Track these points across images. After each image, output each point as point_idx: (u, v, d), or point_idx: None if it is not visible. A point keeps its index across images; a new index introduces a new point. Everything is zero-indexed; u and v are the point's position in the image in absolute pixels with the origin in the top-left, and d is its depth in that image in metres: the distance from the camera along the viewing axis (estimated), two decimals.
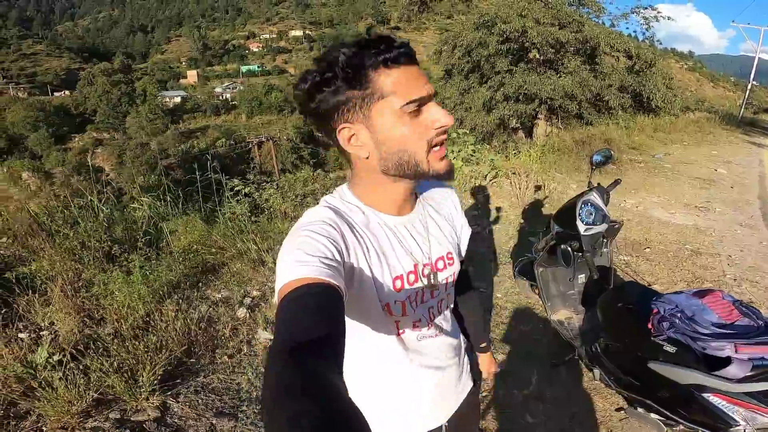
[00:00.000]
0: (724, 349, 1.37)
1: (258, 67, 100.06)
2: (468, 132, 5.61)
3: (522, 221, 4.38)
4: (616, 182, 2.49)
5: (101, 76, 63.19)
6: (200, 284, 2.86)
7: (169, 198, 3.97)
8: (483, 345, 1.11)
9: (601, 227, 2.01)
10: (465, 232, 0.92)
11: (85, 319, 2.43)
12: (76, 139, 52.97)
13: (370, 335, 0.76)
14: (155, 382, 1.93)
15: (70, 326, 2.31)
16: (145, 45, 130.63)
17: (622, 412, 2.02)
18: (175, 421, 1.84)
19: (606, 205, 2.15)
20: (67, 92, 74.49)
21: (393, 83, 0.65)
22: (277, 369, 0.45)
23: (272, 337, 2.43)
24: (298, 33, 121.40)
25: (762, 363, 1.34)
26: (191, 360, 2.20)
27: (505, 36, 10.77)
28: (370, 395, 0.82)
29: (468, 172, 4.91)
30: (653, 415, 1.69)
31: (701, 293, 1.56)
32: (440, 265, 0.81)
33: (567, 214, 2.14)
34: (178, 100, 70.78)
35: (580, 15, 11.59)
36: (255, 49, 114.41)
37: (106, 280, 2.57)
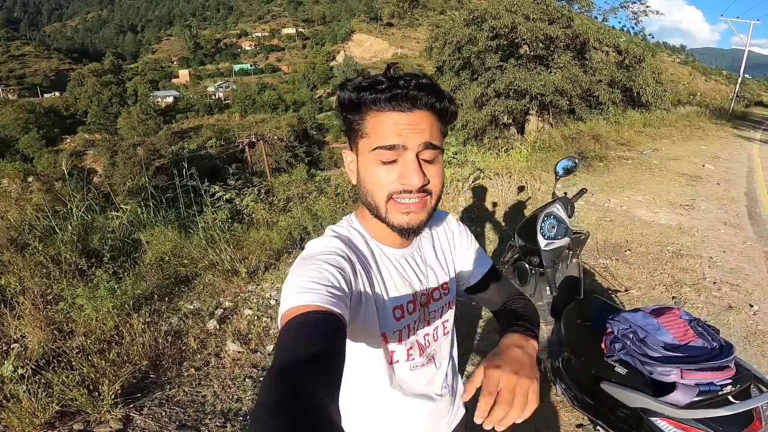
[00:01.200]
0: (670, 374, 1.33)
1: (251, 65, 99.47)
2: (450, 134, 5.57)
3: (503, 224, 4.36)
4: (582, 191, 2.44)
5: (91, 76, 62.53)
6: (172, 295, 2.83)
7: (151, 204, 3.93)
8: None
9: (563, 241, 1.96)
10: (471, 250, 0.90)
11: (55, 332, 2.43)
12: (68, 140, 52.47)
13: (363, 362, 0.77)
14: (118, 394, 1.94)
15: (39, 339, 2.30)
16: (136, 45, 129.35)
17: (580, 429, 2.00)
18: None
19: (570, 217, 2.11)
20: (57, 93, 73.79)
21: (372, 125, 0.66)
22: (268, 386, 0.46)
23: (241, 350, 2.41)
24: (291, 31, 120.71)
25: (709, 389, 1.30)
26: (157, 373, 2.19)
27: (494, 32, 10.74)
28: (361, 422, 0.83)
29: (449, 175, 4.87)
30: None
31: (658, 311, 1.52)
32: (436, 295, 0.83)
33: (529, 227, 2.08)
34: (170, 99, 70.27)
35: (569, 10, 11.57)
36: (247, 48, 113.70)
37: (74, 294, 2.53)
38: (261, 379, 2.22)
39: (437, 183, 0.69)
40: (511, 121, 13.64)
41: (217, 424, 1.94)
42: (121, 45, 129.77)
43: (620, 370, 1.50)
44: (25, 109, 52.32)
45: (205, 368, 2.27)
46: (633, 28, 14.12)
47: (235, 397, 2.11)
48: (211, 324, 2.57)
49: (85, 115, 59.52)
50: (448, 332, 0.89)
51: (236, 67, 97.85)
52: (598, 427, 1.71)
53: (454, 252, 0.89)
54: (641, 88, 11.26)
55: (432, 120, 0.66)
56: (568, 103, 11.54)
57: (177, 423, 1.91)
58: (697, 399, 1.31)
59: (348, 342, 0.68)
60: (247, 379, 2.22)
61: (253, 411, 0.46)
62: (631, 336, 1.48)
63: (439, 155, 0.68)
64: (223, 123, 57.98)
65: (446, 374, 0.89)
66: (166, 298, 2.79)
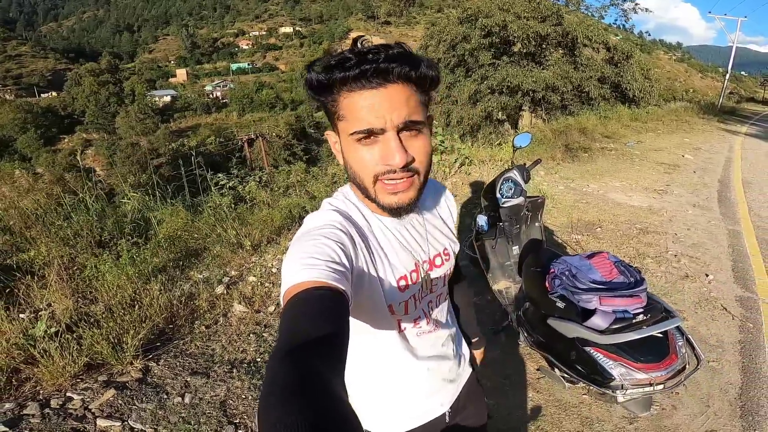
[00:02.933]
0: (591, 301, 1.61)
1: (248, 64, 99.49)
2: (436, 122, 5.90)
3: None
4: (537, 161, 2.77)
5: (88, 76, 62.63)
6: (184, 266, 3.14)
7: (158, 193, 4.24)
8: (476, 340, 1.13)
9: (518, 200, 2.31)
10: (453, 225, 0.94)
11: (79, 299, 2.72)
12: (66, 140, 52.60)
13: (372, 333, 0.77)
14: (139, 348, 2.22)
15: (64, 306, 2.59)
16: (132, 44, 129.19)
17: (538, 371, 2.28)
18: (155, 380, 2.13)
19: (526, 182, 2.44)
20: (54, 93, 73.77)
21: (347, 107, 0.63)
22: (274, 368, 0.45)
23: (246, 310, 2.73)
24: (288, 30, 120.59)
25: (624, 315, 1.59)
26: (172, 330, 2.49)
27: (487, 30, 11.05)
28: (373, 390, 0.85)
29: (437, 161, 5.21)
30: (558, 373, 1.91)
31: (591, 255, 1.84)
32: (438, 261, 0.84)
33: (490, 189, 2.44)
34: (167, 99, 70.37)
35: (559, 8, 11.89)
36: (245, 47, 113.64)
37: (98, 264, 2.84)
38: (264, 334, 2.54)
39: (423, 159, 0.67)
40: (505, 117, 13.96)
41: (225, 370, 2.24)
42: (117, 44, 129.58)
43: (560, 304, 1.80)
44: (23, 109, 52.43)
45: (214, 326, 2.58)
46: (624, 24, 14.45)
47: (241, 349, 2.42)
48: (220, 289, 2.90)
49: (82, 115, 59.59)
50: (446, 298, 0.91)
51: (233, 66, 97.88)
52: (555, 368, 1.94)
53: (449, 219, 0.91)
54: (629, 83, 11.61)
55: (409, 92, 0.63)
56: (560, 99, 11.87)
57: (189, 371, 2.21)
58: (615, 326, 1.61)
59: (355, 315, 0.72)
60: (251, 335, 2.53)
61: (261, 394, 0.43)
62: (567, 273, 1.81)
63: (423, 129, 0.66)
64: (221, 122, 58.21)
65: (451, 336, 0.92)
66: (179, 269, 3.12)
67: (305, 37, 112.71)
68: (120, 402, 1.95)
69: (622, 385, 1.57)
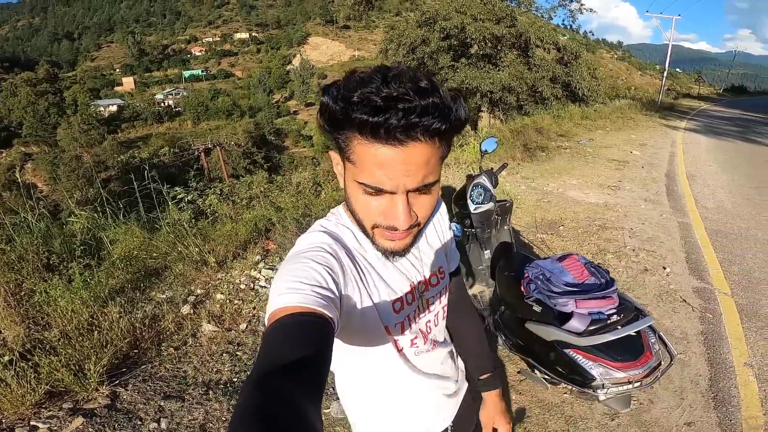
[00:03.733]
0: (568, 304, 1.66)
1: (202, 71, 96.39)
2: None
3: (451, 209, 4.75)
4: (504, 166, 2.83)
5: (24, 86, 58.41)
6: (144, 287, 2.97)
7: (108, 210, 3.98)
8: (484, 377, 1.00)
9: (489, 206, 2.34)
10: (450, 237, 0.90)
11: (31, 325, 2.51)
12: (3, 154, 48.78)
13: (370, 354, 0.76)
14: (103, 374, 2.09)
15: (16, 332, 2.38)
16: (72, 53, 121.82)
17: (519, 374, 2.31)
18: (125, 406, 2.00)
19: (495, 186, 2.48)
20: None
21: (359, 154, 0.57)
22: (246, 392, 0.44)
23: (216, 330, 2.60)
24: (244, 35, 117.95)
25: (600, 317, 1.64)
26: (138, 354, 2.35)
27: (445, 33, 11.26)
28: (375, 410, 0.84)
29: None
30: (539, 374, 1.94)
31: (562, 258, 1.89)
32: (434, 281, 0.82)
33: (461, 195, 2.46)
34: (114, 108, 66.85)
35: (513, 9, 12.31)
36: (198, 53, 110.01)
37: (47, 289, 2.62)
38: (237, 353, 2.43)
39: (426, 214, 0.64)
40: None
41: (200, 392, 2.13)
42: (56, 53, 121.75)
43: (537, 308, 1.82)
44: None
45: (184, 347, 2.45)
46: (571, 25, 15.12)
47: (215, 369, 2.31)
48: (185, 309, 2.74)
49: (20, 127, 55.53)
50: (446, 316, 0.89)
51: (186, 74, 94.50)
52: (536, 370, 1.97)
53: (443, 236, 0.87)
54: (578, 82, 12.19)
55: (432, 151, 0.56)
56: (516, 99, 12.27)
57: (162, 395, 2.10)
58: (592, 328, 1.65)
59: (350, 338, 0.72)
60: (224, 354, 2.42)
61: (232, 416, 0.43)
62: (541, 277, 1.84)
63: (433, 186, 0.60)
64: (174, 131, 56.01)
65: (449, 354, 0.92)
66: (138, 290, 2.93)
67: (262, 42, 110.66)
68: (90, 430, 1.84)
69: (603, 384, 1.62)
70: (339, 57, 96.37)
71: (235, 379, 2.24)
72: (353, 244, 0.71)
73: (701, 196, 5.90)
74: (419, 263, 0.79)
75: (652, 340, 1.68)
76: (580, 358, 1.65)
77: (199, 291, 3.00)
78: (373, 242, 0.67)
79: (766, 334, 2.77)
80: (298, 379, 0.46)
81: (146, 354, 2.35)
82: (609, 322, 1.62)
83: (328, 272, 0.62)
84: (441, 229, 0.87)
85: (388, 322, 0.73)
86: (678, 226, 4.65)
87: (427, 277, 0.80)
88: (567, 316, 1.67)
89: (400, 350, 0.78)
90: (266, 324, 0.56)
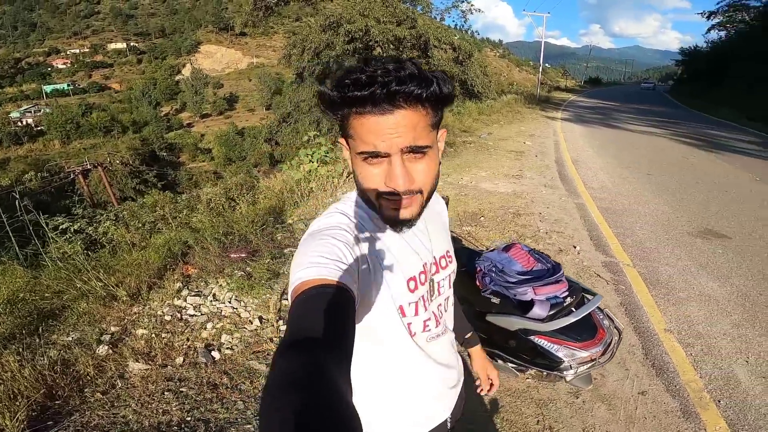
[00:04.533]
0: (527, 293, 1.73)
1: (68, 85, 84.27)
2: (320, 134, 5.80)
3: None
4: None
5: None
6: (43, 330, 2.52)
7: None
8: (468, 336, 1.14)
9: None
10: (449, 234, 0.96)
11: None
12: None
13: (382, 338, 0.77)
14: (24, 429, 1.80)
15: None
16: None
17: None
18: None
19: None
20: None
21: (355, 127, 0.63)
22: (278, 361, 0.46)
23: (148, 367, 2.28)
24: (120, 45, 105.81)
25: (556, 301, 1.74)
26: (57, 403, 2.02)
27: (350, 36, 11.27)
28: (379, 394, 0.84)
29: (325, 173, 5.10)
30: (508, 364, 1.97)
31: (507, 248, 1.97)
32: (443, 263, 0.85)
33: None
34: None
35: (413, 12, 12.78)
36: (61, 66, 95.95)
37: None
38: (182, 389, 2.16)
39: (427, 181, 0.68)
40: None
41: None
42: None
43: (495, 300, 1.86)
44: None
45: (113, 391, 2.14)
46: (463, 25, 16.15)
47: (161, 410, 2.03)
48: (103, 349, 2.39)
49: None
50: (454, 302, 0.93)
51: (47, 88, 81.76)
52: (498, 360, 1.99)
53: (446, 226, 0.93)
54: (473, 80, 13.10)
55: (418, 116, 0.62)
56: None
57: None
58: (551, 312, 1.73)
59: (363, 319, 0.73)
60: (166, 393, 2.13)
61: (264, 386, 0.43)
62: (494, 270, 1.89)
63: (428, 152, 0.65)
64: (39, 153, 48.16)
65: (452, 342, 0.94)
66: (36, 335, 2.48)
67: (144, 52, 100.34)
68: None
69: (570, 365, 1.71)
70: (236, 65, 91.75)
71: (188, 418, 1.98)
72: (368, 223, 0.74)
73: (587, 179, 6.72)
74: (429, 243, 0.81)
75: (601, 317, 1.82)
76: (545, 343, 1.73)
77: (113, 329, 2.63)
78: (381, 214, 0.70)
79: (672, 299, 3.21)
80: (328, 349, 0.48)
81: (68, 402, 2.02)
82: (565, 304, 1.72)
83: (347, 248, 0.65)
84: (444, 218, 0.93)
85: (402, 300, 0.75)
86: (576, 207, 5.23)
87: (437, 258, 0.83)
88: (528, 304, 1.73)
89: (412, 335, 0.79)
90: (290, 298, 0.58)
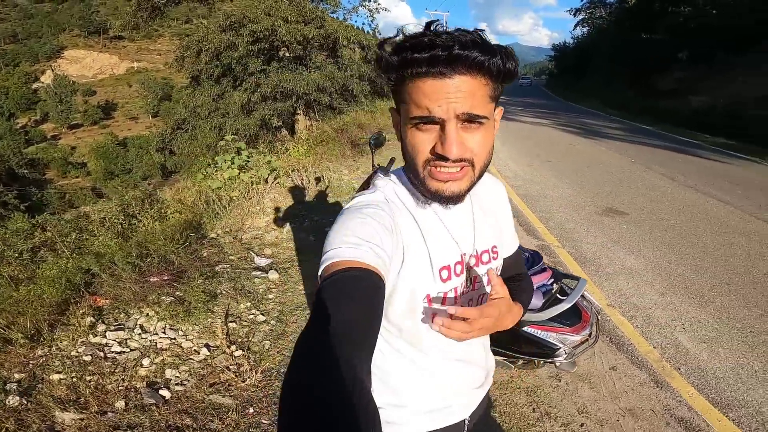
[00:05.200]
0: None
1: None
2: (237, 138, 5.34)
3: (315, 214, 4.53)
4: (392, 160, 2.81)
5: None
6: None
7: None
8: None
9: None
10: (510, 222, 0.90)
11: None
12: None
13: (404, 323, 0.74)
14: None
15: None
16: None
17: None
18: None
19: None
20: None
21: (411, 92, 0.61)
22: (304, 352, 0.46)
23: (81, 416, 1.81)
24: None
25: (546, 289, 1.75)
26: None
27: (255, 36, 10.62)
28: (396, 382, 0.81)
29: (247, 179, 4.69)
30: (498, 358, 1.96)
31: None
32: (485, 258, 0.80)
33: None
34: None
35: (321, 11, 12.46)
36: None
37: None
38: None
39: (481, 152, 0.64)
40: (280, 123, 13.90)
41: None
42: None
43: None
44: None
45: None
46: (370, 25, 16.24)
47: None
48: (13, 400, 1.92)
49: None
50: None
51: None
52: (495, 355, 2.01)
53: (502, 218, 0.87)
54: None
55: (477, 84, 0.60)
56: (329, 98, 12.56)
57: None
58: (544, 301, 1.72)
59: (388, 302, 0.70)
60: None
61: (288, 370, 0.42)
62: None
63: (485, 123, 0.63)
64: None
65: (483, 343, 0.90)
66: None
67: None
68: None
69: (566, 351, 1.71)
70: (111, 70, 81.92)
71: None
72: (409, 204, 0.72)
73: (499, 168, 7.19)
74: (472, 233, 0.77)
75: (581, 300, 1.87)
76: (538, 333, 1.73)
77: (17, 376, 2.11)
78: (425, 186, 0.66)
79: (603, 275, 3.50)
80: (352, 339, 0.48)
81: None
82: (553, 291, 1.73)
83: (384, 230, 0.64)
84: (500, 208, 0.86)
85: (431, 289, 0.71)
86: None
87: (479, 252, 0.78)
88: None
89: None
90: (320, 277, 0.57)
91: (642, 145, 9.90)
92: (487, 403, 0.98)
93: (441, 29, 0.61)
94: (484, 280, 0.79)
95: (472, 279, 0.78)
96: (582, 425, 2.02)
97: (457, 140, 0.61)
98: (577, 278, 1.89)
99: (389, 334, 0.77)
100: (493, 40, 0.61)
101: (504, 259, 0.87)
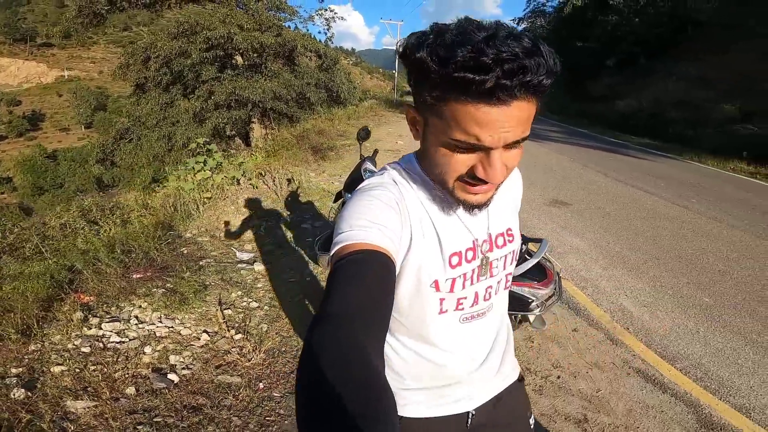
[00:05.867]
0: None
1: None
2: (209, 141, 5.37)
3: (289, 212, 4.69)
4: (376, 152, 3.10)
5: None
6: None
7: None
8: None
9: None
10: (519, 200, 0.89)
11: None
12: None
13: (410, 309, 0.73)
14: None
15: None
16: None
17: None
18: None
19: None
20: None
21: (454, 112, 0.54)
22: (319, 335, 0.45)
23: (95, 404, 1.90)
24: None
25: None
26: None
27: (210, 43, 10.46)
28: (398, 368, 0.79)
29: (220, 180, 4.76)
30: None
31: None
32: (500, 241, 0.77)
33: (355, 181, 2.57)
34: None
35: (278, 19, 12.47)
36: None
37: None
38: (156, 420, 1.88)
39: (513, 167, 0.61)
40: (234, 132, 13.70)
41: None
42: None
43: None
44: None
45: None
46: (325, 33, 16.39)
47: None
48: (19, 393, 1.94)
49: None
50: (509, 285, 0.84)
51: None
52: None
53: (515, 197, 0.86)
54: (339, 87, 13.53)
55: (532, 107, 0.55)
56: (286, 106, 12.59)
57: None
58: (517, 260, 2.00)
59: (398, 286, 0.69)
60: (138, 426, 1.85)
61: (302, 357, 0.43)
62: None
63: (525, 139, 0.59)
64: None
65: (497, 330, 0.85)
66: None
67: None
68: None
69: (537, 304, 2.01)
70: (38, 79, 75.84)
71: None
72: (420, 191, 0.70)
73: None
74: (485, 219, 0.75)
75: (544, 261, 2.20)
76: (515, 288, 1.99)
77: (14, 371, 2.12)
78: (453, 196, 0.65)
79: (554, 254, 3.95)
80: (365, 323, 0.47)
81: None
82: (522, 252, 2.04)
83: (394, 212, 0.63)
84: (514, 188, 0.85)
85: (440, 275, 0.70)
86: None
87: (494, 236, 0.76)
88: None
89: (441, 311, 0.73)
90: (332, 260, 0.57)
91: (579, 146, 10.89)
92: (521, 399, 0.92)
93: (497, 37, 0.50)
94: (500, 265, 0.78)
95: (489, 265, 0.75)
96: (558, 377, 2.35)
97: (502, 168, 0.58)
98: (540, 240, 2.23)
99: (394, 322, 0.76)
100: None
101: None
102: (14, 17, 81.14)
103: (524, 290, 2.04)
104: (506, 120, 0.53)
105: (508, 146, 0.57)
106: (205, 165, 4.77)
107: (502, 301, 0.84)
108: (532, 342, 2.64)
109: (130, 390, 2.04)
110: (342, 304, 0.48)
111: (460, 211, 0.71)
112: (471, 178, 0.60)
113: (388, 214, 0.62)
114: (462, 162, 0.59)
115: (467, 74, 0.49)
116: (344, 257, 0.54)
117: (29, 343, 2.32)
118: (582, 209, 5.39)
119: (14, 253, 3.84)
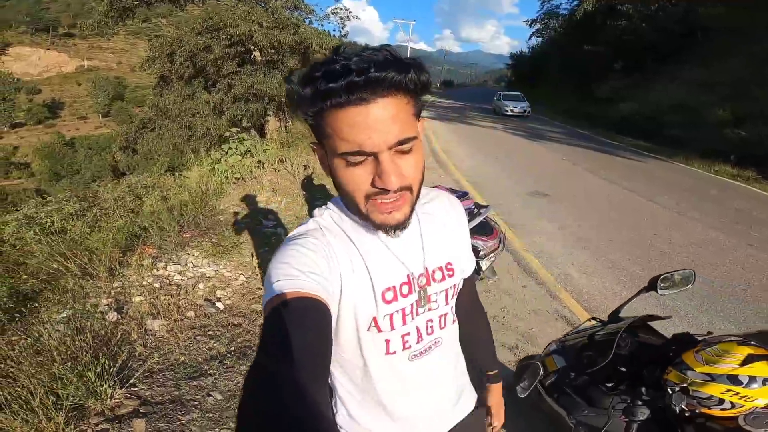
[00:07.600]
0: None
1: None
2: (242, 130, 6.22)
3: (305, 192, 5.53)
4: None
5: None
6: (24, 312, 2.72)
7: None
8: (492, 373, 1.06)
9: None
10: (463, 235, 0.86)
11: None
12: None
13: (356, 353, 0.73)
14: (108, 378, 2.07)
15: None
16: None
17: None
18: (161, 398, 2.12)
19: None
20: None
21: (333, 124, 0.58)
22: (254, 385, 0.46)
23: (166, 323, 2.69)
24: None
25: (469, 209, 2.79)
26: (105, 360, 2.23)
27: (231, 40, 11.27)
28: (354, 412, 0.80)
29: (249, 164, 5.61)
30: None
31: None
32: (438, 275, 0.77)
33: None
34: None
35: (296, 18, 13.24)
36: None
37: None
38: (209, 333, 2.68)
39: (416, 175, 0.64)
40: (250, 124, 14.51)
41: (217, 364, 2.40)
42: None
43: None
44: None
45: (149, 344, 2.52)
46: (339, 30, 17.07)
47: (204, 348, 2.55)
48: (113, 316, 2.70)
49: None
50: (455, 320, 0.84)
51: None
52: None
53: (459, 236, 0.84)
54: None
55: (400, 104, 0.58)
56: None
57: (185, 377, 2.29)
58: (469, 218, 2.77)
59: (338, 331, 0.70)
60: (198, 337, 2.63)
61: (240, 413, 0.43)
62: None
63: (415, 144, 0.61)
64: None
65: (451, 363, 0.86)
66: (17, 316, 2.68)
67: None
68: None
69: (485, 254, 2.77)
70: (59, 68, 77.65)
71: (232, 348, 2.57)
72: (348, 228, 0.71)
73: (459, 163, 8.44)
74: (420, 252, 0.75)
75: (492, 222, 2.98)
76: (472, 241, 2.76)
77: (104, 301, 2.90)
78: (370, 220, 0.65)
79: (526, 233, 4.75)
80: (304, 368, 0.48)
81: (116, 359, 2.27)
82: (474, 212, 2.84)
83: (318, 258, 0.64)
84: (454, 223, 0.83)
85: (377, 312, 0.70)
86: (453, 183, 6.73)
87: (430, 270, 0.76)
88: None
89: (390, 352, 0.74)
90: (264, 312, 0.57)
91: (575, 147, 11.56)
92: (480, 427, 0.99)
93: (350, 52, 0.57)
94: (440, 299, 0.78)
95: (426, 299, 0.75)
96: (504, 318, 3.14)
97: (395, 171, 0.59)
98: (486, 205, 3.00)
99: (337, 369, 0.77)
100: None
101: (464, 280, 0.86)
102: (37, 7, 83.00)
103: (477, 242, 2.82)
104: (377, 119, 0.56)
105: (400, 152, 0.60)
106: (236, 150, 5.61)
107: (451, 334, 0.84)
108: (489, 292, 3.44)
109: (190, 314, 2.85)
110: (280, 351, 0.49)
111: (392, 243, 0.72)
112: (376, 194, 0.62)
113: (315, 260, 0.63)
114: (360, 176, 0.61)
115: (327, 84, 0.54)
116: (277, 306, 0.55)
117: (113, 280, 3.14)
118: (558, 199, 6.15)
119: (81, 218, 4.72)
